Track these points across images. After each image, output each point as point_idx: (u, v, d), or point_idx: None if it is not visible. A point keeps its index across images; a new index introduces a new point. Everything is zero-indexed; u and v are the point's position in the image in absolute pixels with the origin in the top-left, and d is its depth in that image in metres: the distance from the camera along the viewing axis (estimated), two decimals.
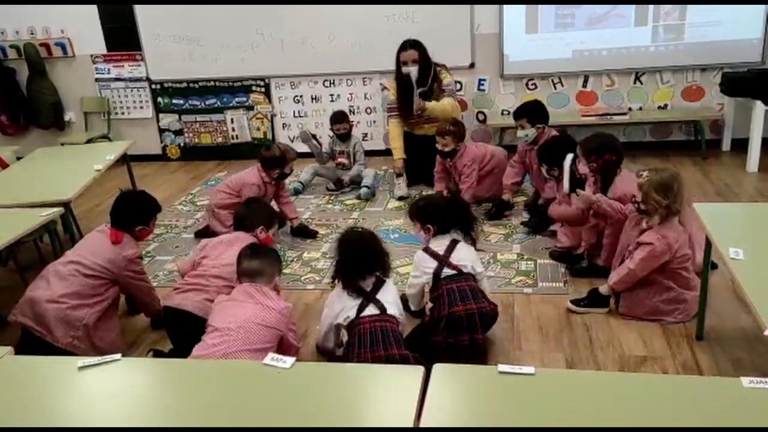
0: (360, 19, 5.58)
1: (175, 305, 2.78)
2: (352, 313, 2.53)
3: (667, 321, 2.94)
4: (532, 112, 4.17)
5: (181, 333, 2.75)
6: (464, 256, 2.83)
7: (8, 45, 6.20)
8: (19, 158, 4.65)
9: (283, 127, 6.15)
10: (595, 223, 3.41)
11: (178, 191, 5.42)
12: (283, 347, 2.47)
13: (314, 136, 5.06)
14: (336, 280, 2.68)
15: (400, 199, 4.78)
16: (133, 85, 6.23)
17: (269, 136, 6.16)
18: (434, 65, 4.81)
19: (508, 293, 3.32)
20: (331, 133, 5.20)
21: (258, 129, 6.20)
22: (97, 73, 6.24)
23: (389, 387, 1.68)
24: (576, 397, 1.58)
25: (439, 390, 1.60)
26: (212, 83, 6.12)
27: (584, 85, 5.58)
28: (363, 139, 5.64)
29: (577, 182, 3.41)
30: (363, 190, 4.84)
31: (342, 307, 2.58)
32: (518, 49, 5.49)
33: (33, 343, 2.68)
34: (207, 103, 6.20)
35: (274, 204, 4.12)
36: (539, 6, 5.33)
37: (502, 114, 5.68)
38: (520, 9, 5.37)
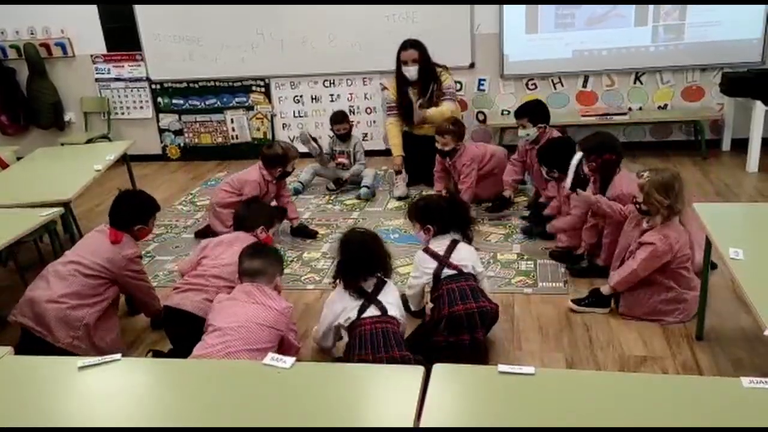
0: (360, 19, 5.57)
1: (174, 305, 2.79)
2: (354, 314, 2.53)
3: (667, 321, 2.94)
4: (534, 112, 4.17)
5: (180, 333, 2.76)
6: (465, 256, 2.83)
7: (8, 45, 6.20)
8: (19, 158, 4.65)
9: (283, 127, 6.15)
10: (594, 222, 3.42)
11: (178, 191, 5.42)
12: (283, 347, 2.47)
13: (314, 138, 5.06)
14: (337, 281, 2.67)
15: (400, 199, 4.78)
16: (133, 85, 6.23)
17: (269, 137, 6.15)
18: (435, 66, 4.81)
19: (508, 293, 3.32)
20: (331, 134, 5.19)
21: (258, 129, 6.20)
22: (97, 73, 6.24)
23: (389, 387, 1.68)
24: (576, 397, 1.58)
25: (439, 390, 1.61)
26: (212, 83, 6.11)
27: (584, 85, 5.58)
28: (363, 139, 5.63)
29: (581, 182, 3.41)
30: (363, 190, 4.84)
31: (343, 307, 2.58)
32: (518, 49, 5.49)
33: (33, 343, 2.68)
34: (207, 103, 6.20)
35: (275, 203, 4.13)
36: (539, 6, 5.33)
37: (502, 114, 5.68)
38: (520, 9, 5.37)
